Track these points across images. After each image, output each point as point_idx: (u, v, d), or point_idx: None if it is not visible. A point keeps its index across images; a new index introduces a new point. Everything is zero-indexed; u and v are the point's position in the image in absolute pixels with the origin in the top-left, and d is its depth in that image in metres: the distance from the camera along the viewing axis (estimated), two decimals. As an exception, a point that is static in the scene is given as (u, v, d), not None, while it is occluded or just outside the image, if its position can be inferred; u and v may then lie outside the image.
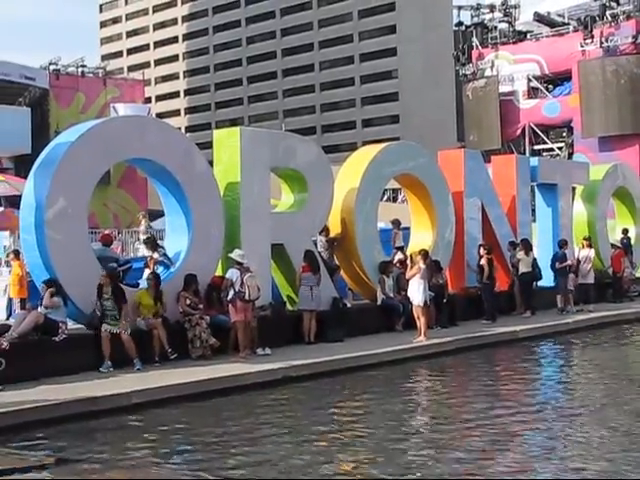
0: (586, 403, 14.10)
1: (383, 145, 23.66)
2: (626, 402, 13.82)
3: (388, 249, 22.71)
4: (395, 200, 51.31)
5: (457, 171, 23.94)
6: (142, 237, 24.44)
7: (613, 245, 28.79)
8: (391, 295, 20.46)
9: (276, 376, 15.42)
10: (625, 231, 29.89)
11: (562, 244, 24.91)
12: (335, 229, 21.03)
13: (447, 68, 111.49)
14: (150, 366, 15.46)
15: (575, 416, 12.86)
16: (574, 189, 28.52)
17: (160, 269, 17.79)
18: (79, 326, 16.47)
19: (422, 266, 19.41)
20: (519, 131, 57.35)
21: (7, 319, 17.90)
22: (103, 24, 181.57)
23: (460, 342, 19.48)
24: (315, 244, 20.16)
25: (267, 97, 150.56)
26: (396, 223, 24.02)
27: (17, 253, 21.05)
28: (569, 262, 24.35)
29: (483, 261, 22.68)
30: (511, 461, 10.24)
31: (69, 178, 16.03)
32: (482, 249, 23.11)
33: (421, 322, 19.26)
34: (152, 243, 18.72)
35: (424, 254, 19.72)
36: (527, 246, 23.91)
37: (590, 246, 25.77)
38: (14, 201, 25.79)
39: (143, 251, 20.54)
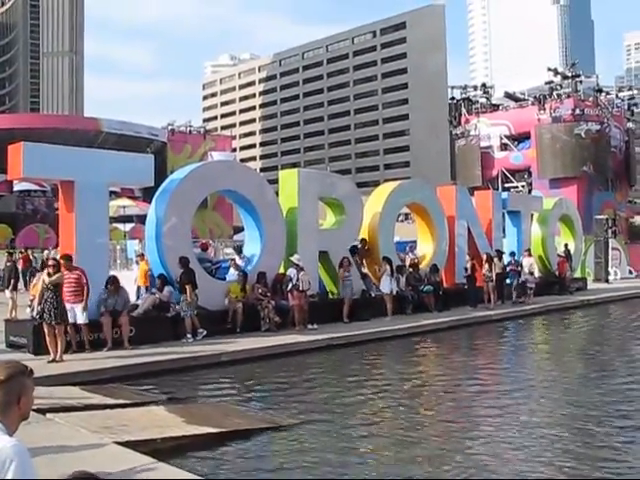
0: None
1: (398, 182, 23.54)
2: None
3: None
4: (406, 220, 51.02)
5: (450, 201, 23.76)
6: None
7: (559, 255, 28.57)
8: (403, 288, 20.30)
9: (321, 344, 15.33)
10: (566, 245, 29.67)
11: (512, 254, 24.65)
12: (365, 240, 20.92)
13: (443, 129, 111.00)
14: (232, 335, 15.46)
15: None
16: (532, 215, 28.27)
17: (232, 270, 17.82)
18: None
19: (387, 268, 19.41)
20: (494, 173, 57.18)
21: (136, 300, 17.97)
22: (205, 97, 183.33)
23: (451, 322, 19.31)
24: (351, 252, 20.00)
25: (317, 148, 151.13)
26: (411, 245, 24.09)
27: (142, 255, 21.23)
28: (513, 267, 23.98)
29: (468, 265, 22.55)
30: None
31: (179, 203, 16.12)
32: (467, 256, 23.02)
33: (388, 306, 19.26)
34: (238, 249, 18.76)
35: (388, 260, 19.68)
36: (500, 254, 23.65)
37: (530, 255, 25.21)
38: (142, 218, 26.02)
39: (230, 255, 20.52)
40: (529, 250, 25.37)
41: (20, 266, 29.37)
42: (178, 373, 12.40)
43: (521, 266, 24.23)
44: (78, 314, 13.19)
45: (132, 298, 19.35)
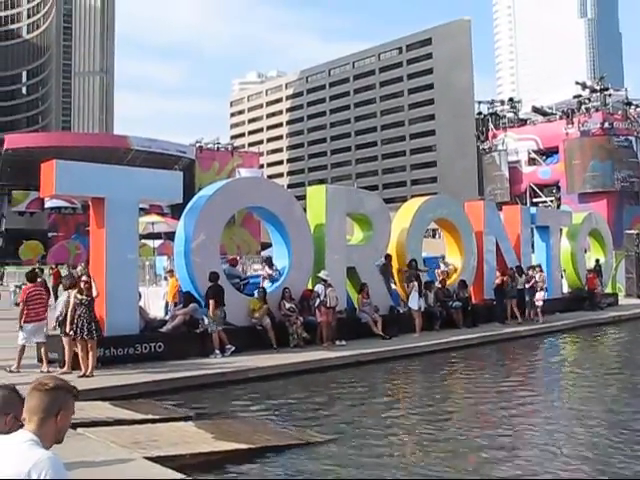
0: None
1: (426, 198, 23.41)
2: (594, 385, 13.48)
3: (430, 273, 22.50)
4: (434, 236, 50.81)
5: (478, 216, 23.60)
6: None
7: (588, 270, 28.22)
8: (431, 304, 20.18)
9: (350, 360, 15.26)
10: (597, 260, 29.24)
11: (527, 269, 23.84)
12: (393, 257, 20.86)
13: (470, 144, 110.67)
14: (261, 351, 15.41)
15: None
16: (561, 230, 27.99)
17: (267, 283, 17.85)
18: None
19: (415, 284, 19.30)
20: (522, 188, 56.85)
21: (165, 316, 18.06)
22: (232, 114, 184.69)
23: (480, 338, 19.14)
24: (383, 272, 19.99)
25: (344, 164, 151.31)
26: (442, 257, 23.95)
27: (172, 271, 21.33)
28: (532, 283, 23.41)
29: (497, 280, 22.34)
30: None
31: (207, 220, 16.19)
32: (497, 272, 22.80)
33: (416, 322, 19.15)
34: (269, 262, 18.75)
35: (416, 276, 19.60)
36: (519, 271, 23.33)
37: (541, 271, 24.23)
38: (170, 235, 26.16)
39: (258, 270, 20.48)
40: (539, 266, 24.70)
41: (51, 282, 29.70)
42: (206, 389, 12.42)
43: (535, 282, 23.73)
44: None
45: (160, 314, 19.53)
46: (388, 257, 20.45)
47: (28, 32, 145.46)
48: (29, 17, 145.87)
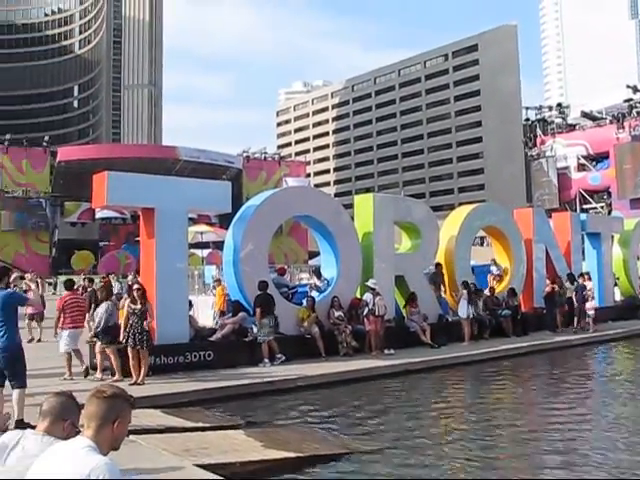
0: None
1: (474, 205, 23.21)
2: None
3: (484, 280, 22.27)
4: (482, 244, 50.34)
5: (527, 224, 23.30)
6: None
7: (642, 277, 27.61)
8: (481, 312, 19.98)
9: (398, 369, 15.18)
10: (652, 266, 28.58)
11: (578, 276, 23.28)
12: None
13: (517, 151, 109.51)
14: (310, 360, 15.41)
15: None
16: (613, 237, 27.47)
17: (315, 293, 17.88)
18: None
19: (464, 292, 19.13)
20: (572, 195, 56.03)
21: (214, 325, 18.21)
22: (279, 124, 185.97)
23: (530, 347, 18.85)
24: (434, 280, 19.87)
25: (391, 172, 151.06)
26: (493, 260, 23.70)
27: (219, 280, 21.59)
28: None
29: (548, 288, 22.02)
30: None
31: (256, 229, 16.31)
32: (547, 280, 22.47)
33: (465, 331, 18.96)
34: (317, 272, 18.81)
35: (465, 284, 19.39)
36: (571, 278, 22.95)
37: (589, 279, 23.59)
38: (218, 245, 26.43)
39: (304, 280, 20.54)
40: (588, 274, 24.21)
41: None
42: (255, 397, 12.46)
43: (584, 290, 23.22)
44: None
45: (209, 322, 19.72)
46: (438, 265, 20.36)
47: (80, 47, 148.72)
48: (81, 33, 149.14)
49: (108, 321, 13.44)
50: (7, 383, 9.16)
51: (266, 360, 14.99)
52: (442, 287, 20.48)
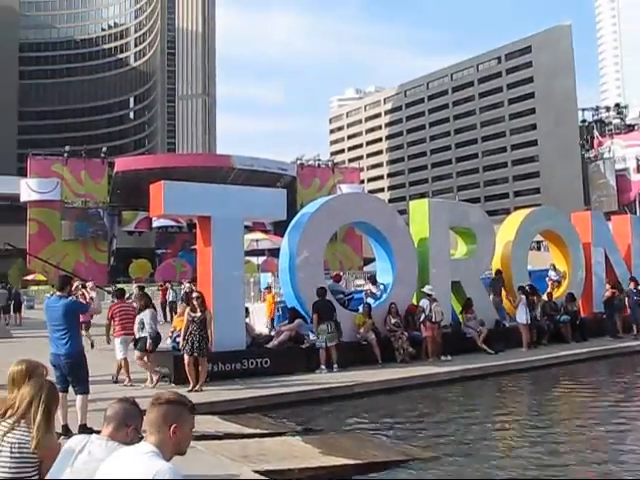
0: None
1: (530, 210, 22.86)
2: None
3: (541, 285, 21.87)
4: (539, 249, 49.57)
5: (586, 227, 22.85)
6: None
7: None
8: (538, 318, 19.63)
9: (456, 376, 15.02)
10: None
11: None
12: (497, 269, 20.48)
13: (574, 153, 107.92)
14: (366, 366, 15.35)
15: None
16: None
17: (370, 299, 17.81)
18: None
19: (522, 298, 18.75)
20: (632, 197, 54.80)
21: (270, 332, 18.31)
22: (332, 131, 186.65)
23: (590, 353, 18.43)
24: (493, 287, 19.63)
25: (445, 177, 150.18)
26: (552, 265, 23.28)
27: (269, 288, 21.88)
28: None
29: (608, 293, 21.53)
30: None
31: (311, 237, 16.34)
32: (607, 284, 21.94)
33: (524, 336, 18.61)
34: (373, 279, 18.77)
35: (523, 290, 18.99)
36: (636, 283, 22.32)
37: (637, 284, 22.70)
38: (273, 252, 26.59)
39: (362, 286, 20.52)
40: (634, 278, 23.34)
41: (159, 299, 30.72)
42: (312, 404, 12.47)
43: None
44: None
45: (265, 329, 19.84)
46: (499, 272, 20.13)
47: (135, 60, 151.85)
48: (136, 46, 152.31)
49: (154, 329, 13.75)
50: (71, 389, 9.35)
51: (323, 367, 15.00)
52: (502, 293, 20.22)
